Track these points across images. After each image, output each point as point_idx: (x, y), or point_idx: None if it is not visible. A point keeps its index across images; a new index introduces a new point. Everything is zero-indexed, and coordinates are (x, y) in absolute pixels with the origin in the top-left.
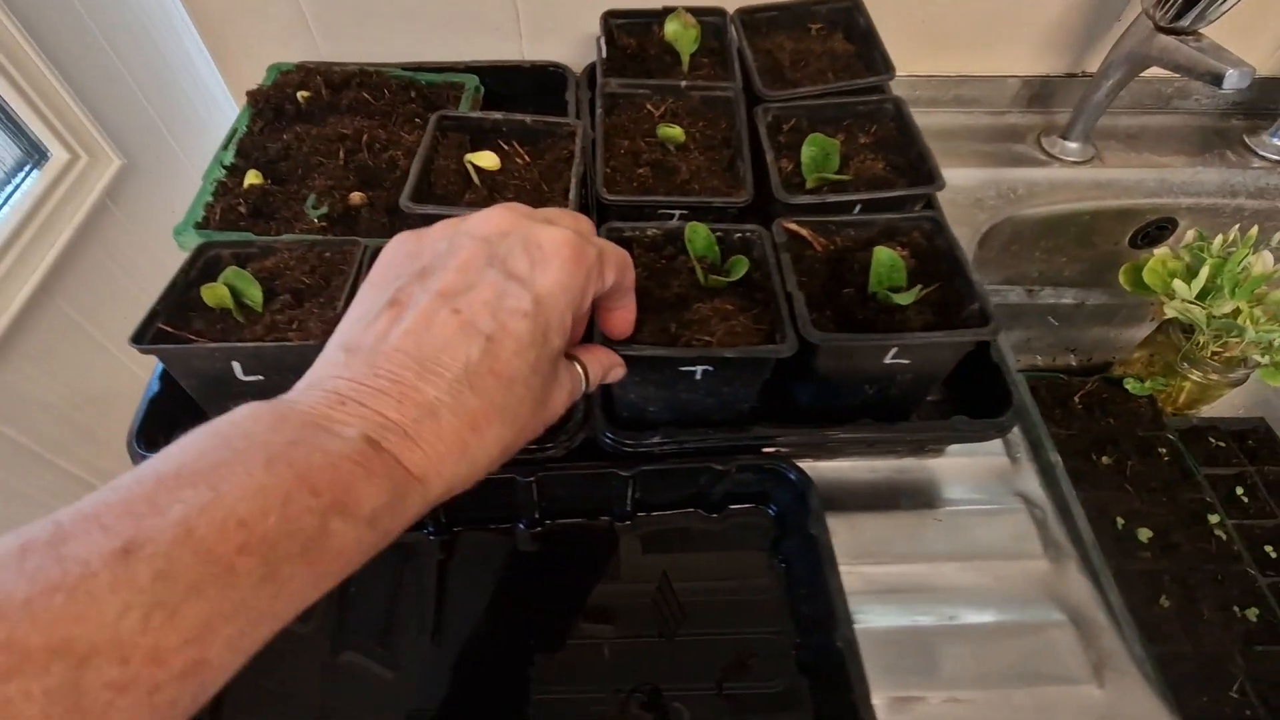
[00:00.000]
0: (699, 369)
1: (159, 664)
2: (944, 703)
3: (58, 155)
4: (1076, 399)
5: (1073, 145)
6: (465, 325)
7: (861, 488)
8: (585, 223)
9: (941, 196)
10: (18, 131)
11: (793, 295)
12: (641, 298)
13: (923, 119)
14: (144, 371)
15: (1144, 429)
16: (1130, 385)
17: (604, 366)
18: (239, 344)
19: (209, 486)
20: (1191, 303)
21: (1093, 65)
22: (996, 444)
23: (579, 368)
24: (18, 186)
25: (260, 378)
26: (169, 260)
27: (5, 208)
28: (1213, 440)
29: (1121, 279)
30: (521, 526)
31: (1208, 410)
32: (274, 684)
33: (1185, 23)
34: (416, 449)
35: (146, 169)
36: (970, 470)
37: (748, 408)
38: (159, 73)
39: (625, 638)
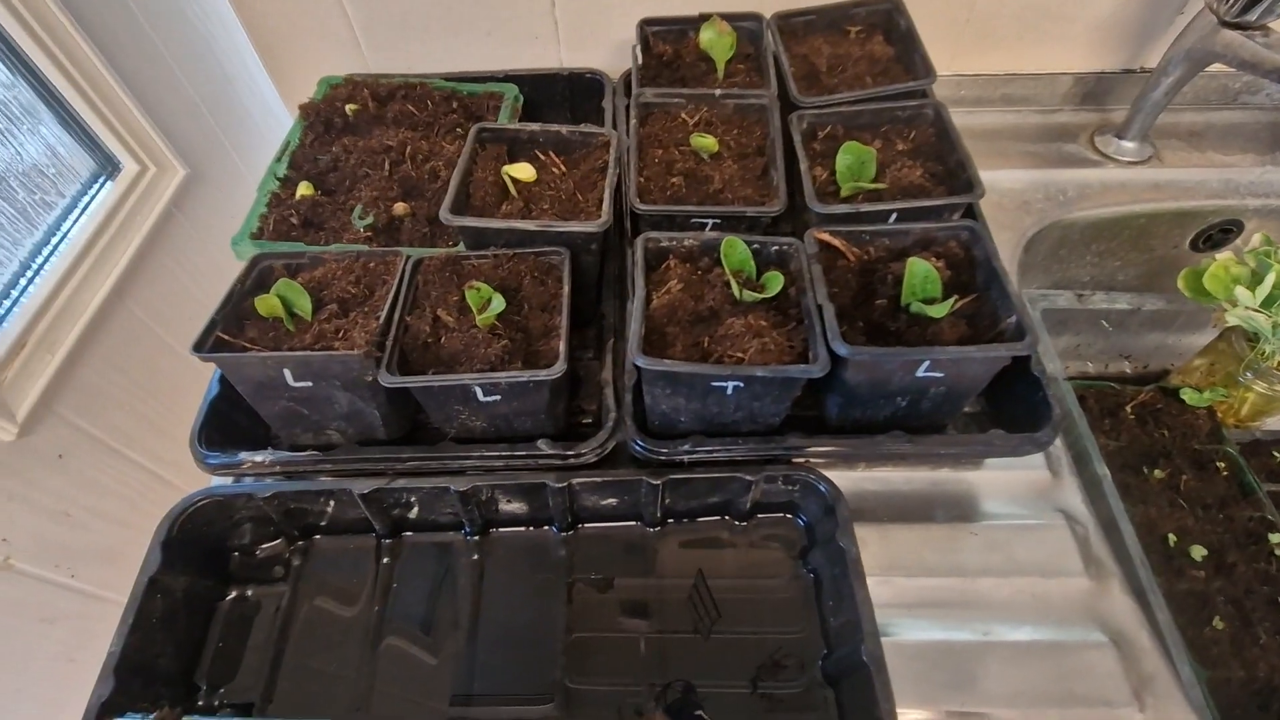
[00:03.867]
0: (730, 385)
1: None
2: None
3: (129, 167)
4: (1128, 409)
5: (1129, 144)
6: None
7: (895, 499)
8: None
9: (986, 200)
10: (93, 145)
11: (823, 307)
12: (675, 311)
13: (968, 119)
14: (205, 369)
15: (1200, 442)
16: (1187, 396)
17: None
18: (289, 352)
19: None
20: (1255, 310)
21: (1152, 60)
22: (1037, 457)
23: None
24: (93, 197)
25: (309, 384)
26: (229, 265)
27: (83, 217)
28: (1278, 455)
29: (1180, 284)
30: (554, 530)
31: (1273, 423)
32: (322, 664)
33: (1252, 17)
34: None
35: (208, 178)
36: (1009, 484)
37: (778, 421)
38: (219, 86)
39: (657, 633)
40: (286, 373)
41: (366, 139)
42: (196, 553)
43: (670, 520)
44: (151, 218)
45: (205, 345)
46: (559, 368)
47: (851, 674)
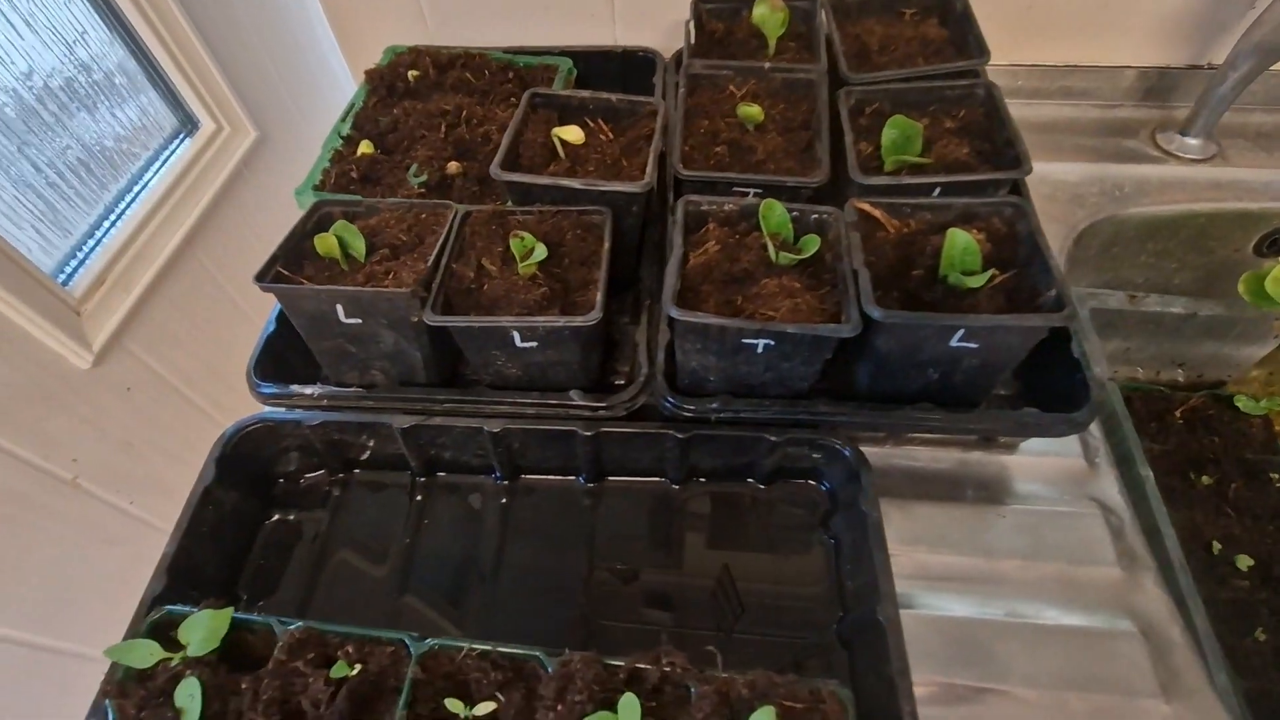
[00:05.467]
0: (760, 343)
1: None
2: (993, 695)
3: (206, 125)
4: (1177, 414)
5: (1192, 142)
6: None
7: (923, 475)
8: None
9: (1038, 192)
10: (176, 104)
11: (858, 273)
12: (710, 271)
13: (1025, 111)
14: (259, 319)
15: (1254, 451)
16: (1242, 403)
17: None
18: (341, 288)
19: None
20: None
21: (1219, 56)
22: (1073, 444)
23: None
24: (173, 152)
25: (358, 320)
26: (290, 223)
27: (162, 169)
28: None
29: (1241, 288)
30: (581, 479)
31: None
32: (353, 592)
33: None
34: None
35: (275, 142)
36: (1042, 469)
37: (806, 386)
38: (290, 53)
39: (678, 596)
40: (339, 308)
41: (426, 103)
42: (246, 473)
43: (695, 479)
44: (223, 175)
45: (267, 276)
46: (595, 315)
47: (865, 634)
